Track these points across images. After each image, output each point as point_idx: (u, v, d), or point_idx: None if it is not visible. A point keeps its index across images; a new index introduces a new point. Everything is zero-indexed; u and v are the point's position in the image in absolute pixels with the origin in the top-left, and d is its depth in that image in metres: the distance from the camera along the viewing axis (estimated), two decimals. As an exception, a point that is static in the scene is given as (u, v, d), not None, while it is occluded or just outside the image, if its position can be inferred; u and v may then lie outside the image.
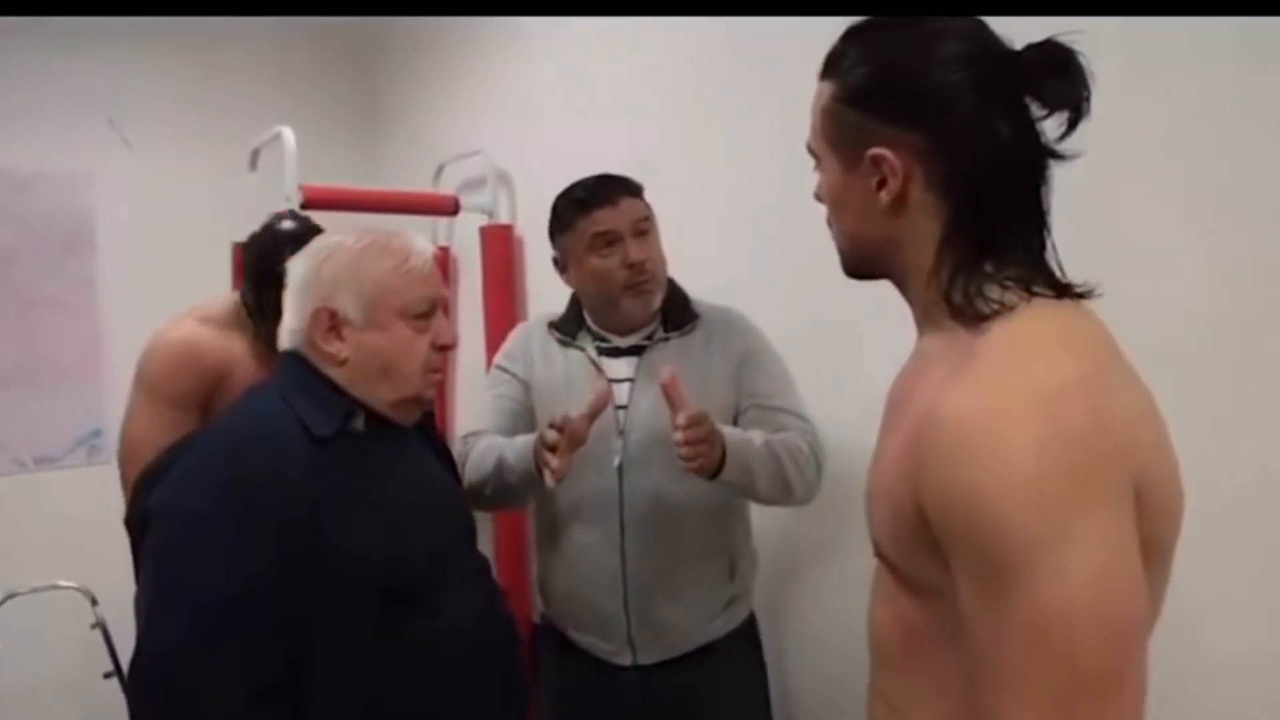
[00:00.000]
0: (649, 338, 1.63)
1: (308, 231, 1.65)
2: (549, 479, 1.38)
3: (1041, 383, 0.70)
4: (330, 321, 1.22)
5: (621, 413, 1.58)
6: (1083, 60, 0.76)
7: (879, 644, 0.88)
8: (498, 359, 1.76)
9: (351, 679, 1.15)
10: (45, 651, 2.69)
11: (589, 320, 1.67)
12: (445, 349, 1.28)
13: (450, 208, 2.74)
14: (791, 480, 1.51)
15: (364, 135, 3.47)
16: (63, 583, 2.40)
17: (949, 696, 0.77)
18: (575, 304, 1.70)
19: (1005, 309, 0.77)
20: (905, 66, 0.80)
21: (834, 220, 0.90)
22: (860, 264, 0.91)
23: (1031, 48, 0.78)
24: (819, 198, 0.92)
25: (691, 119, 2.13)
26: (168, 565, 1.13)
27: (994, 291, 0.78)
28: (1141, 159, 1.29)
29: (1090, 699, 0.66)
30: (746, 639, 1.70)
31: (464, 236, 2.87)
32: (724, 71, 2.05)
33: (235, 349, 1.75)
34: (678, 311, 1.64)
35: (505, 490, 1.56)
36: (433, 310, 1.27)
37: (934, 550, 0.74)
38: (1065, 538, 0.66)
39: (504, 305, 2.73)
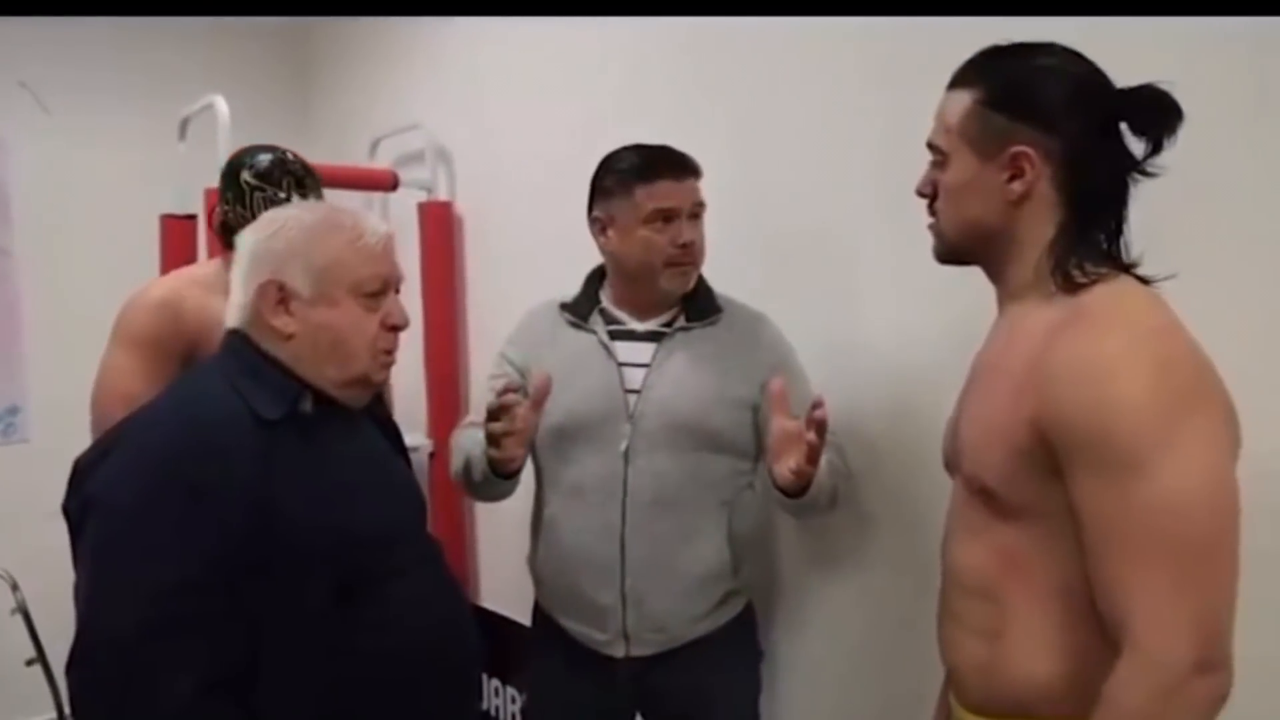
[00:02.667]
0: (668, 324, 1.60)
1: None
2: (500, 465, 1.42)
3: (1146, 323, 0.93)
4: (279, 295, 1.19)
5: (632, 397, 1.55)
6: (1179, 104, 0.95)
7: (975, 583, 1.04)
8: (502, 345, 1.71)
9: (304, 668, 1.13)
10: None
11: (605, 300, 1.64)
12: (396, 329, 1.26)
13: (389, 183, 2.69)
14: (838, 499, 1.53)
15: (294, 106, 3.37)
16: (-21, 567, 2.31)
17: (1049, 605, 0.97)
18: (590, 284, 1.67)
19: (1102, 278, 0.97)
20: (1044, 83, 0.99)
21: (951, 209, 1.06)
22: (964, 248, 1.07)
23: (1140, 88, 0.97)
24: (921, 193, 1.08)
25: (640, 97, 2.12)
26: (106, 555, 1.10)
27: (1092, 266, 0.98)
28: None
29: (1199, 563, 0.85)
30: (742, 632, 1.67)
31: (399, 213, 2.81)
32: (674, 49, 2.04)
33: (216, 310, 1.72)
34: (702, 303, 1.61)
35: (476, 489, 1.57)
36: (385, 290, 1.24)
37: (1044, 472, 0.94)
38: (1179, 439, 0.86)
39: (443, 285, 2.70)
